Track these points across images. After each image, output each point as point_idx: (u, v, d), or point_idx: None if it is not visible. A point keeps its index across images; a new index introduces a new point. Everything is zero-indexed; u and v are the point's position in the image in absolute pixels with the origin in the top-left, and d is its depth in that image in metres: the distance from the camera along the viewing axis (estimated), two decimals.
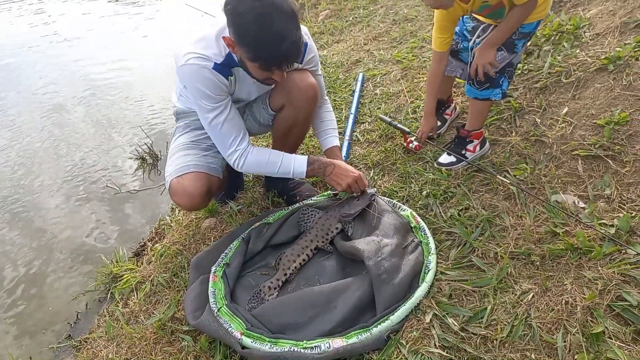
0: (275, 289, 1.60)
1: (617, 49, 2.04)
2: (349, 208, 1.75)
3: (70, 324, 2.01)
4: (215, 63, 1.52)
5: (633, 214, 1.50)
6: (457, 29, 1.96)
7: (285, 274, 1.63)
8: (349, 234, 1.71)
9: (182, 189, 1.70)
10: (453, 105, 2.35)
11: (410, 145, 2.18)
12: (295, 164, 1.70)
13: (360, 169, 2.20)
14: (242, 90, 1.72)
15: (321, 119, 1.95)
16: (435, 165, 2.06)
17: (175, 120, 1.96)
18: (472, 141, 2.01)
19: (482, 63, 1.81)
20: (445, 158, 2.05)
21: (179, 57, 1.53)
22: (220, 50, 1.54)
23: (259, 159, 1.69)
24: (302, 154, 2.39)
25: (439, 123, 2.27)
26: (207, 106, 1.57)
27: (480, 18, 1.90)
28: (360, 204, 1.75)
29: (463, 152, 2.02)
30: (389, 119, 2.28)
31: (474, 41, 1.90)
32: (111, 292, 2.01)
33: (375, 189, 1.82)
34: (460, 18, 1.96)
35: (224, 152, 1.69)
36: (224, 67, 1.55)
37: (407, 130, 2.15)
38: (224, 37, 1.46)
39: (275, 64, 1.43)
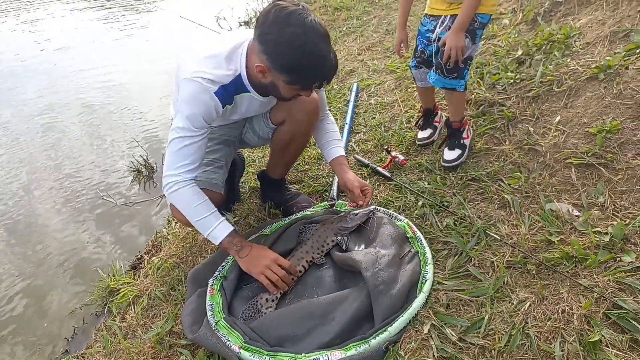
0: (273, 301, 1.60)
1: (607, 57, 2.07)
2: (346, 222, 1.75)
3: (67, 339, 2.00)
4: (220, 86, 1.50)
5: (627, 222, 1.52)
6: (418, 36, 2.06)
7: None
8: (344, 247, 1.71)
9: None
10: (440, 113, 2.38)
11: (396, 160, 2.20)
12: (217, 227, 1.58)
13: None
14: (249, 111, 1.71)
15: (324, 130, 1.93)
16: (443, 163, 2.11)
17: None
18: (464, 128, 2.11)
19: (455, 46, 1.85)
20: (448, 154, 2.11)
21: (185, 70, 1.51)
22: (232, 71, 1.52)
23: (190, 197, 1.56)
24: (299, 165, 2.40)
25: (430, 131, 2.30)
26: (187, 126, 1.51)
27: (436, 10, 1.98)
28: (358, 219, 1.75)
29: (461, 141, 2.10)
30: (367, 161, 2.28)
31: (437, 33, 1.96)
32: (108, 307, 2.00)
33: (375, 205, 1.82)
34: (420, 23, 2.06)
35: (165, 170, 1.57)
36: (227, 93, 1.53)
37: (387, 174, 2.15)
38: (257, 65, 1.44)
39: (317, 84, 1.49)
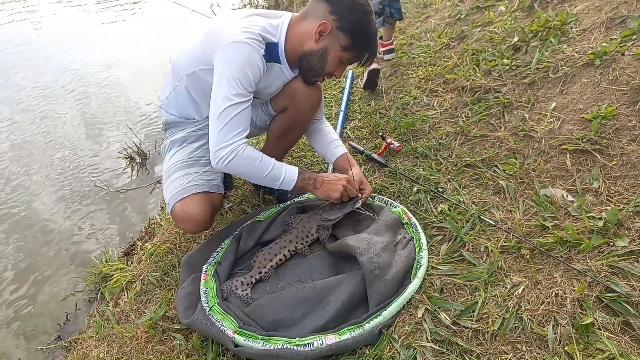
0: (248, 285, 1.60)
1: (603, 44, 2.06)
2: (329, 213, 1.72)
3: (60, 325, 1.99)
4: (265, 46, 1.53)
5: (620, 207, 1.52)
6: None
7: (260, 273, 1.63)
8: (322, 239, 1.70)
9: (187, 216, 1.63)
10: None
11: (391, 146, 2.19)
12: (286, 173, 1.61)
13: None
14: (268, 86, 1.70)
15: (324, 132, 1.92)
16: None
17: (164, 131, 1.87)
18: None
19: None
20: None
21: (230, 34, 1.47)
22: (272, 38, 1.57)
23: (250, 158, 1.55)
24: (294, 151, 2.39)
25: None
26: (240, 90, 1.49)
27: None
28: (341, 211, 1.71)
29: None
30: (362, 148, 2.27)
31: None
32: (101, 292, 2.00)
33: (359, 196, 1.74)
34: None
35: (218, 141, 1.52)
36: (267, 55, 1.56)
37: (382, 160, 2.14)
38: (321, 23, 1.52)
39: (365, 56, 1.62)
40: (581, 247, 1.44)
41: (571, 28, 2.33)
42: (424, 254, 1.57)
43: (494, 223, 1.64)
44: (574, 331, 1.24)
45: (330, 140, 1.90)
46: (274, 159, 1.62)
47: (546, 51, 2.28)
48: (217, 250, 1.77)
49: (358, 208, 1.73)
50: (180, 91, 1.72)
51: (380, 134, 2.27)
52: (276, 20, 1.59)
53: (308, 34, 1.55)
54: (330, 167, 2.11)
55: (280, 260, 1.67)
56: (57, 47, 5.62)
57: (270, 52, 1.57)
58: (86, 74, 4.74)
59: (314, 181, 1.66)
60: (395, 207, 1.81)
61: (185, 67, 1.64)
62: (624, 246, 1.40)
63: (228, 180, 2.23)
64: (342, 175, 1.69)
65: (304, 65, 1.63)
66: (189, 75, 1.64)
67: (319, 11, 1.54)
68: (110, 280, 1.98)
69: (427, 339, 1.32)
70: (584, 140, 1.78)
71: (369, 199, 1.87)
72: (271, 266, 1.65)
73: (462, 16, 3.11)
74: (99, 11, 6.97)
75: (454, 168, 1.98)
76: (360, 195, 1.73)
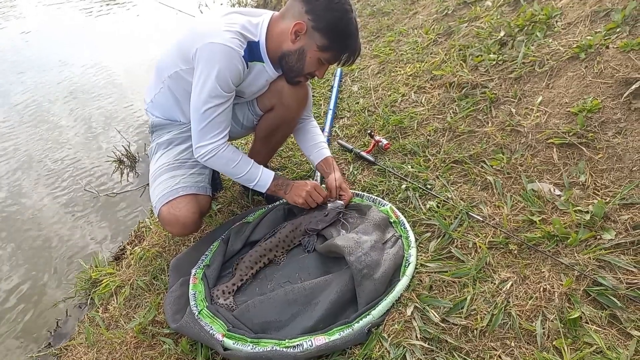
0: (229, 293, 1.60)
1: (588, 37, 2.07)
2: (315, 224, 1.72)
3: (50, 332, 1.98)
4: (246, 46, 1.52)
5: (607, 200, 1.52)
6: None
7: (242, 280, 1.63)
8: (309, 250, 1.69)
9: (174, 219, 1.61)
10: None
11: (380, 144, 2.18)
12: (262, 175, 1.67)
13: (340, 164, 2.20)
14: (252, 85, 1.69)
15: (311, 133, 1.92)
16: None
17: (150, 134, 1.85)
18: None
19: None
20: None
21: (209, 34, 1.47)
22: (253, 37, 1.55)
23: (229, 158, 1.61)
24: (282, 151, 2.38)
25: None
26: (218, 92, 1.50)
27: None
28: (327, 220, 1.72)
29: None
30: (351, 146, 2.26)
31: None
32: (91, 298, 1.98)
33: (342, 202, 1.76)
34: None
35: (198, 140, 1.57)
36: (248, 55, 1.55)
37: (371, 158, 2.14)
38: (296, 24, 1.49)
39: (345, 57, 1.59)
40: (568, 241, 1.44)
41: (556, 22, 2.33)
42: (413, 251, 1.57)
43: (482, 219, 1.64)
44: (562, 325, 1.24)
45: (316, 142, 1.90)
46: (253, 161, 1.66)
47: (532, 45, 2.28)
48: (206, 253, 1.76)
49: (335, 223, 1.74)
50: (164, 93, 1.71)
51: (369, 131, 2.26)
52: (256, 19, 1.57)
53: (285, 34, 1.54)
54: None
55: (260, 267, 1.68)
56: (44, 48, 5.57)
57: (252, 51, 1.56)
58: (74, 76, 4.70)
59: (285, 187, 1.72)
60: (383, 206, 1.80)
61: (167, 67, 1.63)
62: (611, 239, 1.40)
63: (217, 181, 2.22)
64: (310, 182, 1.74)
65: (284, 65, 1.62)
66: (171, 76, 1.62)
67: (295, 11, 1.52)
68: (100, 285, 1.97)
69: (416, 337, 1.32)
70: (570, 134, 1.78)
71: (357, 198, 1.87)
72: (252, 274, 1.66)
73: (449, 12, 3.11)
74: (82, 12, 6.91)
75: (442, 164, 1.98)
76: (342, 202, 1.76)
